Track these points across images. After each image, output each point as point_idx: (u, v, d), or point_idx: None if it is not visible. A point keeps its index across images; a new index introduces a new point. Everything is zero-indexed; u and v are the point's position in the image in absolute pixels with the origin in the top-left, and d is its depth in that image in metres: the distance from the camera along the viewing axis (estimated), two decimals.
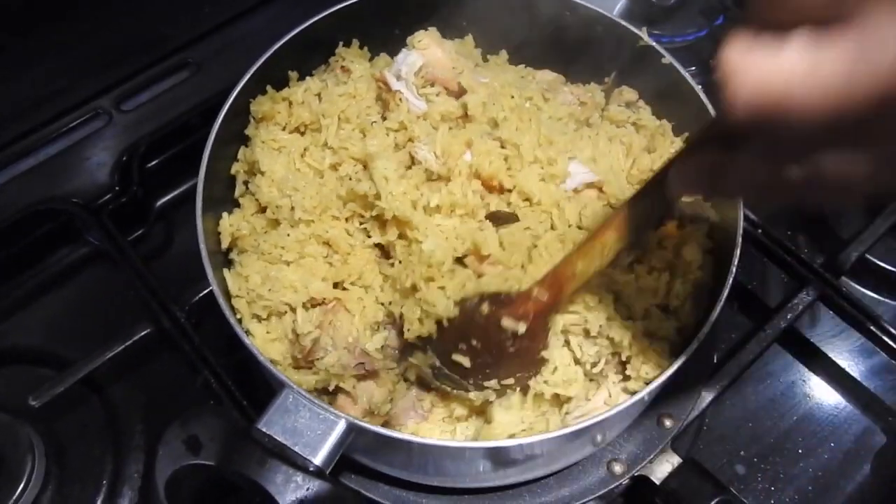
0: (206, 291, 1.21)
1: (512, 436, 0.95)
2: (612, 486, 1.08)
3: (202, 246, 0.96)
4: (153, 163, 1.41)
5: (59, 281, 1.34)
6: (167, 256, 1.39)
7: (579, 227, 1.02)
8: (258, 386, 1.14)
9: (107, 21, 1.41)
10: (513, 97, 1.14)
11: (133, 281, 1.25)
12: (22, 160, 1.40)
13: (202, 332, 1.19)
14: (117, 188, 1.37)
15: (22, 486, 1.09)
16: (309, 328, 0.98)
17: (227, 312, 0.93)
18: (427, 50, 1.17)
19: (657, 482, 1.09)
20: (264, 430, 0.81)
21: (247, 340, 0.90)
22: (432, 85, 1.12)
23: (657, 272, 1.03)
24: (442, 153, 1.03)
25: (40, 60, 1.38)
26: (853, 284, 1.38)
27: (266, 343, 1.01)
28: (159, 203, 1.44)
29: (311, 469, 0.79)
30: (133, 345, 1.19)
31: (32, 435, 1.13)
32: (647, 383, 0.95)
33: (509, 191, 1.04)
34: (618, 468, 1.08)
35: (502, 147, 1.05)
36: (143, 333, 1.20)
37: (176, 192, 1.44)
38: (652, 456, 1.09)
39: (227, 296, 1.01)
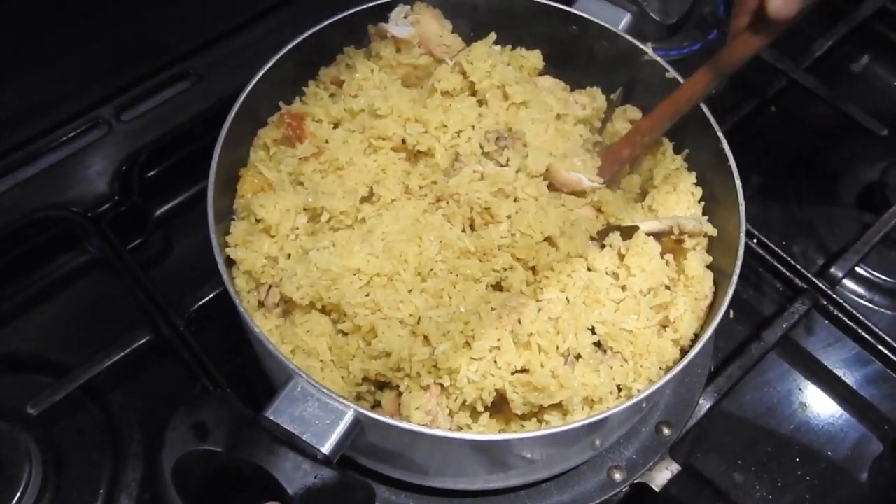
0: (205, 299, 1.22)
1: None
2: (612, 493, 1.09)
3: (213, 235, 0.97)
4: (153, 172, 1.41)
5: (58, 288, 1.34)
6: (166, 265, 1.39)
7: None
8: (258, 393, 1.14)
9: (108, 30, 1.42)
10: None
11: (132, 289, 1.25)
12: (22, 168, 1.39)
13: (201, 340, 1.19)
14: (117, 197, 1.37)
15: (20, 494, 1.08)
16: None
17: (235, 298, 0.93)
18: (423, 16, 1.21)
19: (657, 489, 1.09)
20: (272, 418, 0.80)
21: (256, 329, 0.89)
22: (418, 45, 1.17)
23: (659, 285, 1.04)
24: None
25: (41, 69, 1.38)
26: (848, 294, 1.40)
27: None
28: (159, 212, 1.44)
29: (319, 458, 0.79)
30: (132, 352, 1.19)
31: (30, 442, 1.12)
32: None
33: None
34: (618, 475, 1.09)
35: None
36: (142, 341, 1.20)
37: (176, 202, 1.44)
38: (651, 463, 1.10)
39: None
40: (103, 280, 1.34)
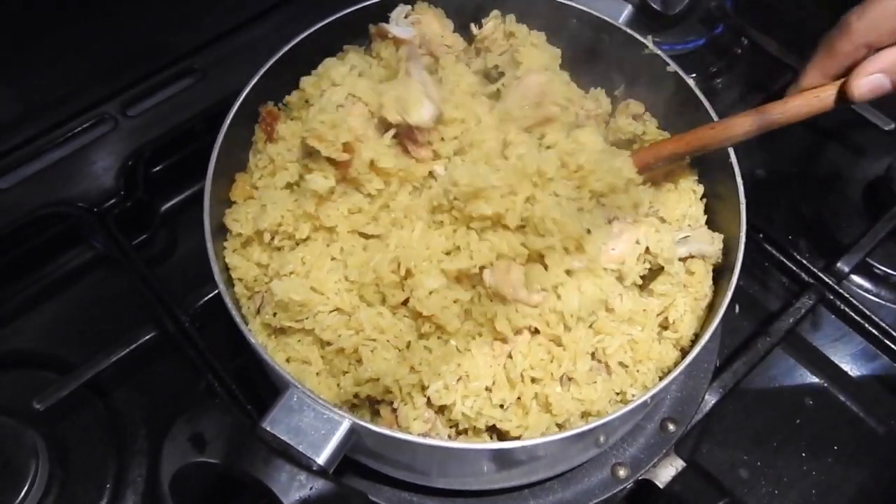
0: (210, 296, 1.22)
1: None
2: (616, 489, 1.08)
3: (209, 245, 0.97)
4: (158, 168, 1.41)
5: (63, 285, 1.34)
6: (171, 261, 1.39)
7: None
8: (262, 390, 1.14)
9: (113, 27, 1.42)
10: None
11: (137, 285, 1.25)
12: (28, 164, 1.40)
13: (206, 337, 1.19)
14: (122, 193, 1.37)
15: (26, 489, 1.09)
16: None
17: (233, 311, 0.93)
18: (424, 16, 1.20)
19: (661, 486, 1.09)
20: (268, 428, 0.81)
21: (252, 339, 0.90)
22: (419, 46, 1.16)
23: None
24: None
25: (47, 66, 1.38)
26: (854, 288, 1.39)
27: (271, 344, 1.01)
28: (164, 208, 1.44)
29: (315, 469, 0.79)
30: (137, 349, 1.20)
31: (37, 438, 1.13)
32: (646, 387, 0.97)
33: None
34: (622, 472, 1.09)
35: None
36: (147, 337, 1.20)
37: (181, 197, 1.45)
38: (656, 460, 1.10)
39: (235, 299, 1.01)
40: (108, 276, 1.35)
